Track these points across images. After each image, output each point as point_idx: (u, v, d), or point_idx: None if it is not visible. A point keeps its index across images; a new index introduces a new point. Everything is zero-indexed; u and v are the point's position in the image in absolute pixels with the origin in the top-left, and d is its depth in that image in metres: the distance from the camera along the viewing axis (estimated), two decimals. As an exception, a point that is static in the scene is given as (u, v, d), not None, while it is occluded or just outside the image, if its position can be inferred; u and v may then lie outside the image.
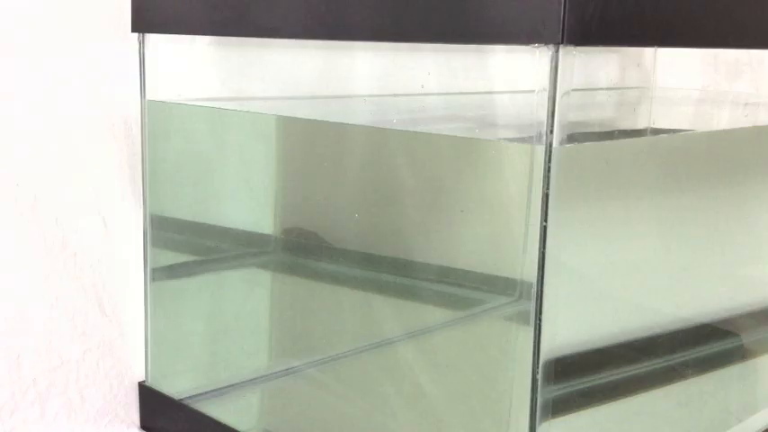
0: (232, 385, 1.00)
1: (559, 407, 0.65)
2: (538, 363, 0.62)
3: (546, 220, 0.60)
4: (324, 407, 0.98)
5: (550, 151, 0.59)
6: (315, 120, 0.99)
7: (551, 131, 0.58)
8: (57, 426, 0.88)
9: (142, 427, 0.95)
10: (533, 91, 0.59)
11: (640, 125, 1.13)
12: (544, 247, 0.60)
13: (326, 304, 0.96)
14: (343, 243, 0.95)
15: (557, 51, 0.56)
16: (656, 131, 1.01)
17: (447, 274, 0.87)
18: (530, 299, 0.62)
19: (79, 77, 0.85)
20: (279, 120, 1.00)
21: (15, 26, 0.81)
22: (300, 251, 1.00)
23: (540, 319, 0.61)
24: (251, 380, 1.02)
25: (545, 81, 0.57)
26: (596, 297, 0.81)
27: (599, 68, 1.28)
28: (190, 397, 0.95)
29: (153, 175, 0.91)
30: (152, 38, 0.88)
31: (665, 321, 0.91)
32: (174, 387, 0.94)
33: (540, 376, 0.61)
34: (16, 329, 0.84)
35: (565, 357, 0.66)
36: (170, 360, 0.97)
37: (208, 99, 0.93)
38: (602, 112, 1.18)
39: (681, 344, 0.93)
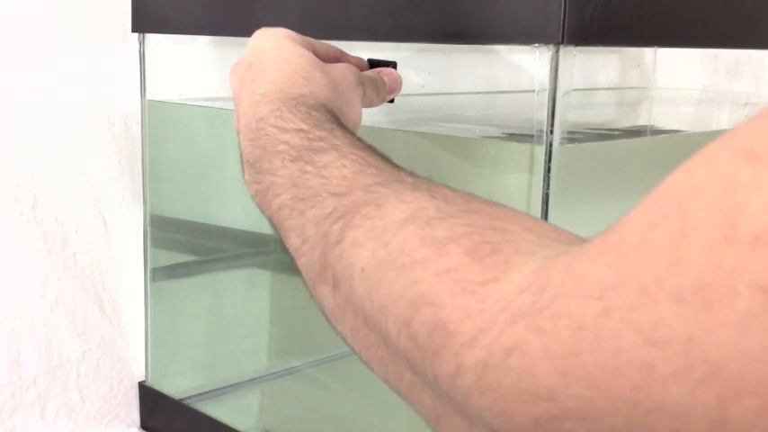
0: (232, 385, 1.00)
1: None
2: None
3: (546, 220, 0.60)
4: (323, 407, 0.98)
5: (550, 151, 0.59)
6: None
7: (551, 131, 0.58)
8: (57, 426, 0.88)
9: (142, 426, 0.95)
10: (533, 91, 0.59)
11: (640, 125, 1.13)
12: (544, 247, 0.60)
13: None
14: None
15: (557, 51, 0.56)
16: (656, 131, 1.01)
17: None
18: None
19: (79, 77, 0.85)
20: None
21: (16, 27, 0.81)
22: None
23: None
24: (251, 380, 1.02)
25: (545, 81, 0.57)
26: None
27: (599, 68, 1.28)
28: (190, 397, 0.95)
29: (153, 175, 0.91)
30: (152, 38, 0.88)
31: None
32: (174, 387, 0.94)
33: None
34: (16, 329, 0.84)
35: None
36: (170, 360, 0.97)
37: (208, 99, 0.93)
38: (603, 112, 1.18)
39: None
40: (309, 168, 0.43)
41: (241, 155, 0.51)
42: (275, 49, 0.55)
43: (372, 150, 0.44)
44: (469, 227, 0.34)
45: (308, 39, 0.59)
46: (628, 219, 0.28)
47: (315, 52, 0.57)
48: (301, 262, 0.43)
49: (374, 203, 0.38)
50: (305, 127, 0.47)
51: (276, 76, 0.52)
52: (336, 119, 0.49)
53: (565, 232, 0.34)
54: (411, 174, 0.41)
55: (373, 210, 0.38)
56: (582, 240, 0.32)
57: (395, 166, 0.42)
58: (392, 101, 0.63)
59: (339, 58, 0.60)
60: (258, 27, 0.76)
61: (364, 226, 0.37)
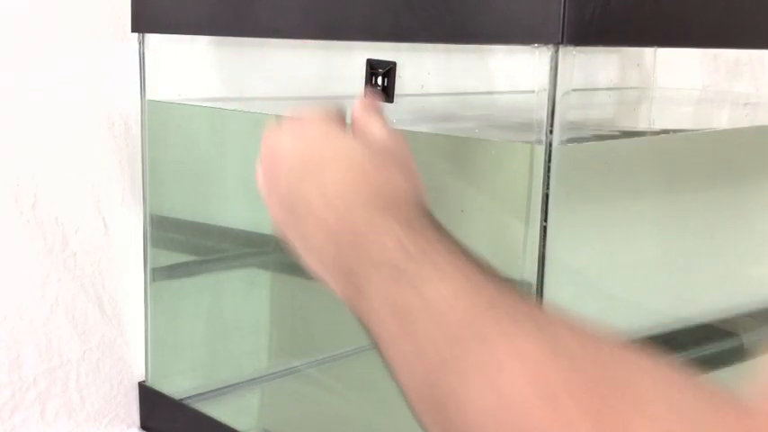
0: (232, 385, 1.00)
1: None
2: (538, 363, 0.62)
3: (546, 220, 0.60)
4: (323, 407, 0.98)
5: (550, 151, 0.59)
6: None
7: (551, 131, 0.58)
8: (57, 426, 0.88)
9: (142, 427, 0.95)
10: (533, 91, 0.59)
11: (640, 125, 1.13)
12: (544, 247, 0.60)
13: (326, 304, 0.96)
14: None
15: (557, 51, 0.56)
16: (656, 131, 1.01)
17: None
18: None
19: (79, 77, 0.85)
20: (279, 120, 1.00)
21: (16, 27, 0.81)
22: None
23: (539, 319, 0.61)
24: (251, 380, 1.02)
25: (545, 81, 0.57)
26: (596, 297, 0.81)
27: (599, 68, 1.28)
28: (190, 397, 0.95)
29: (153, 175, 0.91)
30: (152, 38, 0.88)
31: (665, 321, 0.91)
32: (174, 387, 0.94)
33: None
34: (16, 329, 0.84)
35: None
36: (170, 360, 0.97)
37: (208, 99, 0.93)
38: (603, 112, 1.18)
39: (680, 344, 0.93)
40: (408, 288, 0.41)
41: (309, 247, 0.48)
42: (329, 140, 0.51)
43: (473, 263, 0.41)
44: (583, 375, 0.32)
45: (338, 108, 0.54)
46: (763, 400, 0.26)
47: (354, 121, 0.53)
48: (401, 380, 0.41)
49: (482, 339, 0.36)
50: (400, 234, 0.43)
51: (350, 174, 0.48)
52: (431, 219, 0.45)
53: (685, 379, 0.31)
54: (517, 294, 0.39)
55: (481, 348, 0.36)
56: (709, 395, 0.30)
57: (498, 283, 0.40)
58: (392, 101, 0.63)
59: (371, 109, 0.55)
60: (258, 27, 0.76)
61: (472, 365, 0.35)
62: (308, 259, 0.49)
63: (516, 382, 0.33)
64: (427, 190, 0.49)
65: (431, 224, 0.45)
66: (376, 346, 0.43)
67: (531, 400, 0.32)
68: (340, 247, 0.46)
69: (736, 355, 1.01)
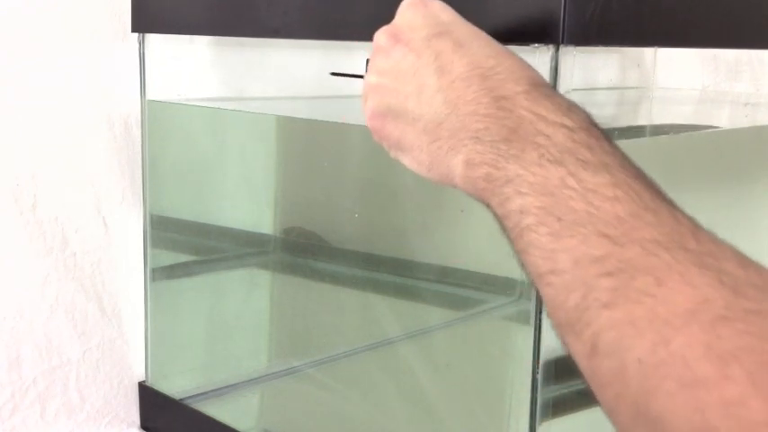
0: (232, 385, 1.00)
1: (559, 407, 0.65)
2: (538, 363, 0.62)
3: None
4: (324, 407, 0.98)
5: (550, 151, 0.59)
6: (315, 120, 0.99)
7: (551, 131, 0.58)
8: (57, 426, 0.88)
9: (142, 426, 0.95)
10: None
11: (640, 125, 1.12)
12: (544, 247, 0.60)
13: (326, 304, 0.96)
14: (343, 243, 0.95)
15: (557, 51, 0.56)
16: (656, 131, 1.01)
17: (447, 274, 0.87)
18: (530, 299, 0.62)
19: (79, 77, 0.85)
20: (279, 120, 1.00)
21: (15, 27, 0.81)
22: (300, 251, 1.00)
23: (540, 319, 0.61)
24: (251, 380, 1.02)
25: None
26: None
27: (599, 68, 1.28)
28: (190, 397, 0.95)
29: (153, 175, 0.91)
30: (152, 38, 0.88)
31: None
32: (174, 387, 0.94)
33: (539, 376, 0.61)
34: (16, 329, 0.84)
35: (565, 357, 0.66)
36: (170, 360, 0.97)
37: (208, 99, 0.93)
38: (603, 112, 1.18)
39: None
40: (573, 183, 0.37)
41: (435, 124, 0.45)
42: (462, 23, 0.49)
43: (645, 180, 0.37)
44: (755, 338, 0.29)
45: None
46: None
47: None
48: (546, 292, 0.37)
49: (654, 275, 0.33)
50: (570, 124, 0.39)
51: (494, 52, 0.46)
52: (595, 122, 0.41)
53: None
54: (691, 224, 0.35)
55: (654, 285, 0.32)
56: None
57: (670, 205, 0.36)
58: None
59: None
60: (258, 27, 0.76)
61: (643, 304, 0.32)
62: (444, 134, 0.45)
63: (691, 343, 0.30)
64: (427, 190, 0.49)
65: (604, 133, 0.41)
66: (509, 241, 0.40)
67: (703, 365, 0.29)
68: (491, 116, 0.42)
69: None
